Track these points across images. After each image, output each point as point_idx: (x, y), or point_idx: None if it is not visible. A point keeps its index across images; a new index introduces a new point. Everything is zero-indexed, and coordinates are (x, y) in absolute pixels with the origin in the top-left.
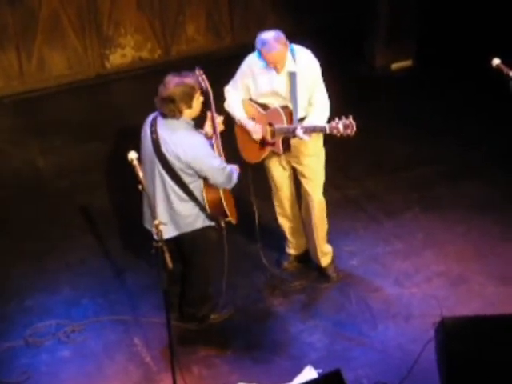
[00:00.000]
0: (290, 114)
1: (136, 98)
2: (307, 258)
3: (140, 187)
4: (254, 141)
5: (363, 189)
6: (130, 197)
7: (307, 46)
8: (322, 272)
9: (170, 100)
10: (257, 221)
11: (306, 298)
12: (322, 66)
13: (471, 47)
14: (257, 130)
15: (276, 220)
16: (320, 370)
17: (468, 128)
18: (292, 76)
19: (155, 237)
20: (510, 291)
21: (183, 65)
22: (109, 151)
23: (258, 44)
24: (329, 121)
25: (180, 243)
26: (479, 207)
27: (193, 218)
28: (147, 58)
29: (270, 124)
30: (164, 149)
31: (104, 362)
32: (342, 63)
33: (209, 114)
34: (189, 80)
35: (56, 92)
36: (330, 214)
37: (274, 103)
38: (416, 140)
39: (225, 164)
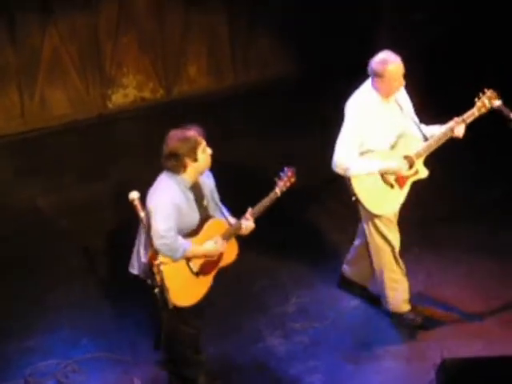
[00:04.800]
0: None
1: (138, 137)
2: None
3: (142, 226)
4: (392, 183)
5: None
6: (131, 237)
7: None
8: None
9: (173, 155)
10: None
11: (307, 338)
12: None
13: (476, 70)
14: (403, 164)
15: None
16: None
17: (470, 170)
18: (397, 100)
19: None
20: (510, 333)
21: (185, 105)
22: (110, 191)
23: (377, 69)
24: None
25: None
26: (480, 249)
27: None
28: (149, 98)
29: (406, 157)
30: None
31: None
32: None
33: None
34: (190, 133)
35: (58, 131)
36: (329, 256)
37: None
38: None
39: (173, 237)
